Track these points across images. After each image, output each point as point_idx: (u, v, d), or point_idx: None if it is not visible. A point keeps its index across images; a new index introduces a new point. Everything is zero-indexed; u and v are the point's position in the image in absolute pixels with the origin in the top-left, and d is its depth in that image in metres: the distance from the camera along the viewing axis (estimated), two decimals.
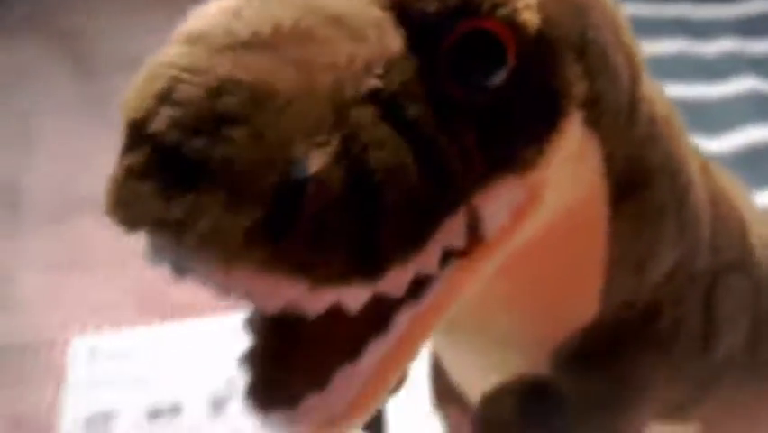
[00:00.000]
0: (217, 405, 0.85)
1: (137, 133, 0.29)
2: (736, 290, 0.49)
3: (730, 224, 0.50)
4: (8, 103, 1.30)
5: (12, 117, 1.27)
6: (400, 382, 0.39)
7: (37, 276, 1.01)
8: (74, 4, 1.50)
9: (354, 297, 0.31)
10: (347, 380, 0.34)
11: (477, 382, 0.50)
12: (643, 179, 0.42)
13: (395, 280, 0.31)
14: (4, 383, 0.89)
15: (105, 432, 0.83)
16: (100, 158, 1.15)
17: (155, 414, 0.84)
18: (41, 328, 0.95)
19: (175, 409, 0.85)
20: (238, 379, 0.84)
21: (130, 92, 0.30)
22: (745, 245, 0.50)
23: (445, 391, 0.62)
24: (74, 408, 0.85)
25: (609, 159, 0.39)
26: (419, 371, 0.56)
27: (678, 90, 1.20)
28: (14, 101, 1.30)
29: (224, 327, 0.92)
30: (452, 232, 0.33)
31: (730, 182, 0.54)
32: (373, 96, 0.30)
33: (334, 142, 0.29)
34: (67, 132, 1.24)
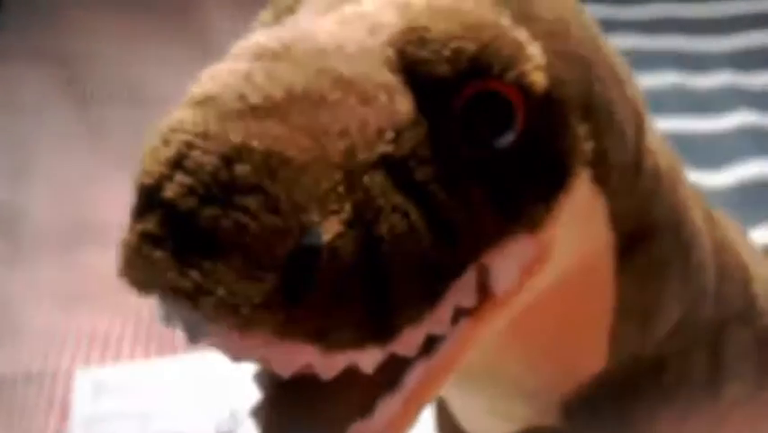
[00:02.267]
0: None
1: (150, 199, 0.29)
2: (740, 340, 0.49)
3: (734, 273, 0.50)
4: (6, 130, 1.29)
5: (10, 145, 1.27)
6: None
7: (40, 307, 1.00)
8: (72, 32, 1.50)
9: (368, 359, 0.31)
10: None
11: (483, 427, 0.51)
12: (648, 232, 0.42)
13: (407, 342, 0.32)
14: (6, 415, 0.88)
15: None
16: (100, 186, 1.15)
17: None
18: (43, 360, 0.94)
19: None
20: (242, 412, 0.84)
21: (142, 156, 0.30)
22: (749, 295, 0.50)
23: (450, 430, 0.62)
24: None
25: (616, 214, 0.39)
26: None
27: (673, 124, 1.18)
28: (12, 129, 1.30)
29: (228, 360, 0.91)
30: (462, 291, 0.33)
31: (732, 227, 0.54)
32: (384, 162, 0.30)
33: (347, 209, 0.29)
34: (66, 160, 1.23)
